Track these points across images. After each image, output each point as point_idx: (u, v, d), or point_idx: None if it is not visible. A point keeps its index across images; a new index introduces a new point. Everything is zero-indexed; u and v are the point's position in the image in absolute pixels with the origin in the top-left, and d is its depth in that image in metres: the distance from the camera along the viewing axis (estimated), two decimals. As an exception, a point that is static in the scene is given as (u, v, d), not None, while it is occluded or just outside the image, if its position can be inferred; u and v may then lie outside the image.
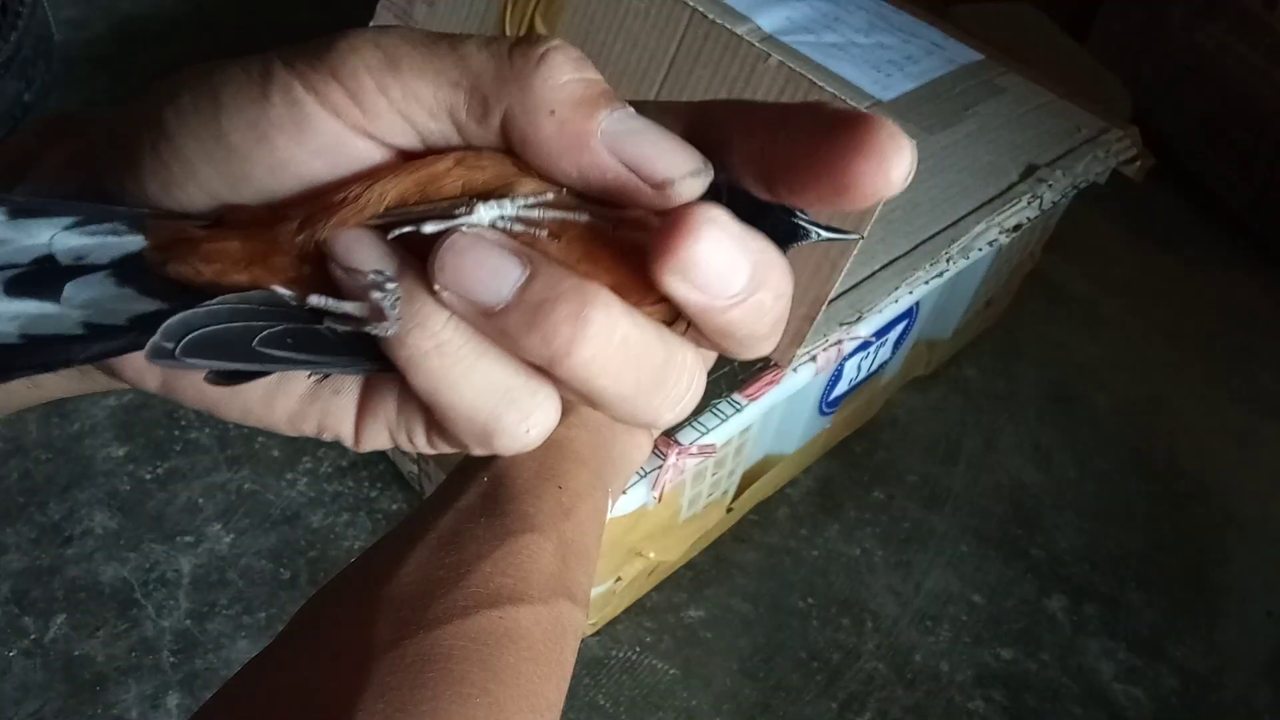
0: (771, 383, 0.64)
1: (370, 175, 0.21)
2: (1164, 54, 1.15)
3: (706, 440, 0.61)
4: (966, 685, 0.75)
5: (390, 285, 0.20)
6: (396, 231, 0.20)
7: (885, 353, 0.79)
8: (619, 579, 0.71)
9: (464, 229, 0.20)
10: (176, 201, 0.22)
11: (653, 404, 0.22)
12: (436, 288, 0.20)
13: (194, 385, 0.24)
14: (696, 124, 0.22)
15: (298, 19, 1.20)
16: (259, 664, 0.28)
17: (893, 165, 0.19)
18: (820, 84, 0.54)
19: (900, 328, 0.78)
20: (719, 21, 0.57)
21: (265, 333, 0.21)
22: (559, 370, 0.20)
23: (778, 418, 0.73)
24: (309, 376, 0.24)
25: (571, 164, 0.20)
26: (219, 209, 0.22)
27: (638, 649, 0.75)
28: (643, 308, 0.21)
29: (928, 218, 0.70)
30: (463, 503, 0.32)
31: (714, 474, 0.70)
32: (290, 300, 0.21)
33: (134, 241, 0.21)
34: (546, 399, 0.22)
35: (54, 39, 1.11)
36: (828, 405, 0.78)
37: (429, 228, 0.20)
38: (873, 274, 0.66)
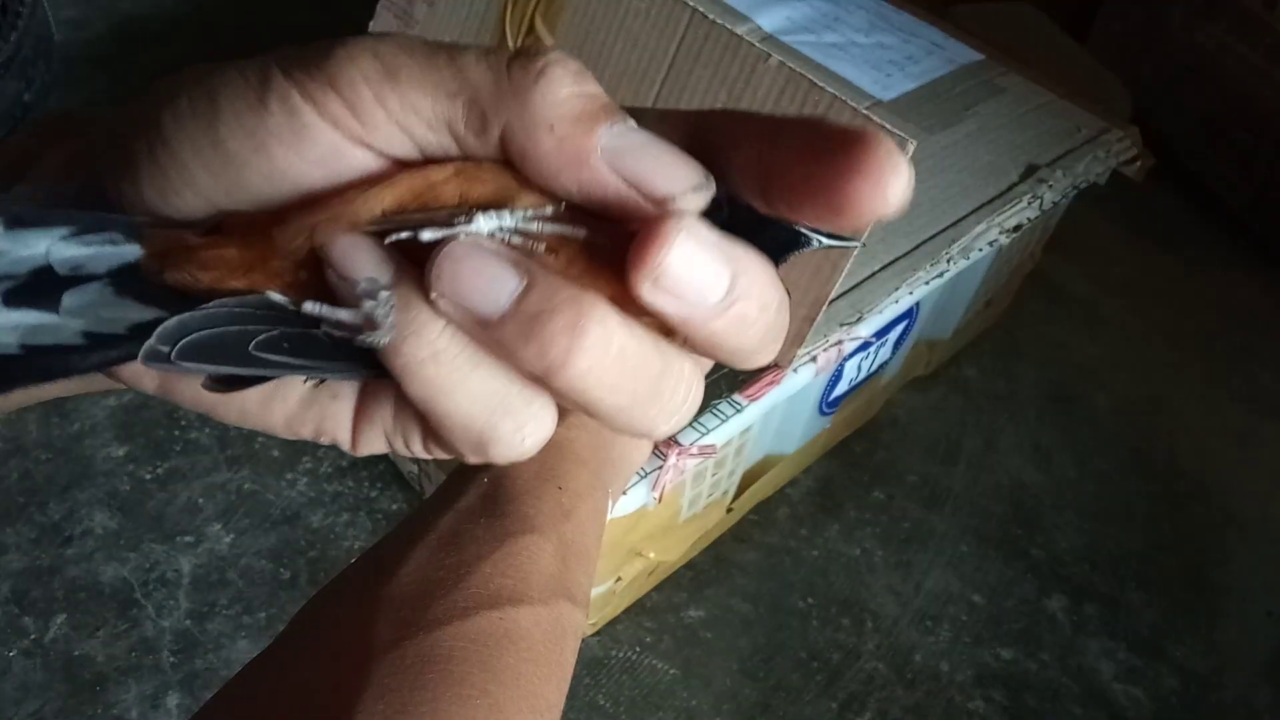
0: (772, 383, 0.64)
1: (368, 183, 0.21)
2: (1164, 54, 1.15)
3: (707, 441, 0.61)
4: (966, 685, 0.75)
5: (384, 294, 0.20)
6: (394, 236, 0.20)
7: (885, 353, 0.79)
8: (619, 579, 0.71)
9: (462, 237, 0.20)
10: (174, 207, 0.22)
11: (649, 415, 0.21)
12: (433, 295, 0.20)
13: (191, 387, 0.23)
14: (696, 133, 0.21)
15: (298, 19, 1.21)
16: (259, 664, 0.28)
17: (890, 185, 0.19)
18: (821, 84, 0.54)
19: (900, 328, 0.78)
20: (719, 21, 0.57)
21: (261, 337, 0.20)
22: (555, 381, 0.20)
23: (778, 418, 0.73)
24: (305, 381, 0.24)
25: (571, 180, 0.20)
26: (216, 216, 0.22)
27: (638, 649, 0.75)
28: (640, 319, 0.20)
29: (928, 218, 0.70)
30: (463, 504, 0.32)
31: (714, 474, 0.70)
32: (287, 305, 0.21)
33: (131, 250, 0.21)
34: (542, 408, 0.22)
35: (54, 39, 1.10)
36: (828, 405, 0.78)
37: (427, 235, 0.20)
38: (873, 274, 0.66)
